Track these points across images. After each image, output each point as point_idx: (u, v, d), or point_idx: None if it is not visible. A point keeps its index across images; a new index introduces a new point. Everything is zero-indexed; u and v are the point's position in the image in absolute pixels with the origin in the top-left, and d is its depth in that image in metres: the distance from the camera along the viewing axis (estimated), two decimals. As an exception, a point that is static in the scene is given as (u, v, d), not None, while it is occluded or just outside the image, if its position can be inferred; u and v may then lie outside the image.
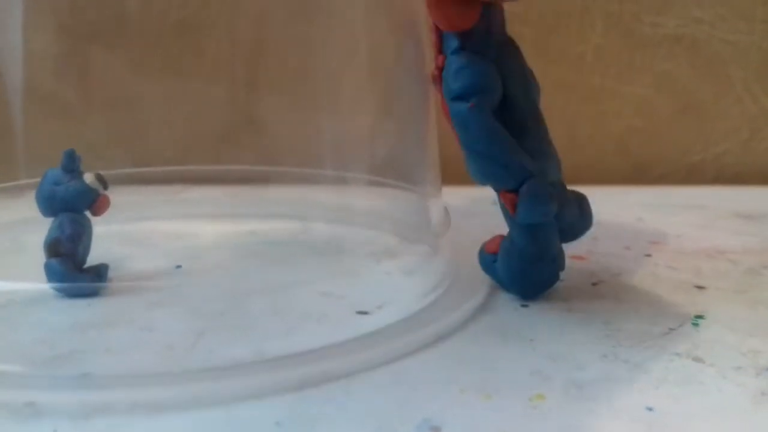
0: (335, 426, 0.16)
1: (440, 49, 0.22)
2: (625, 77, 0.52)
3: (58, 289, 0.23)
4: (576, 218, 0.24)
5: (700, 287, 0.26)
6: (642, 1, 0.51)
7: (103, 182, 0.25)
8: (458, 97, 0.21)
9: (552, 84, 0.51)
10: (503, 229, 0.24)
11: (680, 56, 0.52)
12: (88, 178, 0.25)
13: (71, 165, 0.25)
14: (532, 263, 0.23)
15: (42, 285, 0.23)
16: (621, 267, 0.28)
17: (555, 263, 0.24)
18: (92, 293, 0.24)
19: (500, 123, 0.22)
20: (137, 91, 0.34)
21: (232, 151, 0.36)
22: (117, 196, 0.25)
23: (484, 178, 0.22)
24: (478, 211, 0.35)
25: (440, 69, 0.22)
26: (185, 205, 0.34)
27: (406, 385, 0.18)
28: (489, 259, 0.25)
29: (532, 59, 0.23)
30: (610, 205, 0.41)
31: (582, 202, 0.24)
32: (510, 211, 0.22)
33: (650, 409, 0.17)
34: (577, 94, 0.51)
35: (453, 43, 0.22)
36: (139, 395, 0.17)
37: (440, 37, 0.22)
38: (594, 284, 0.26)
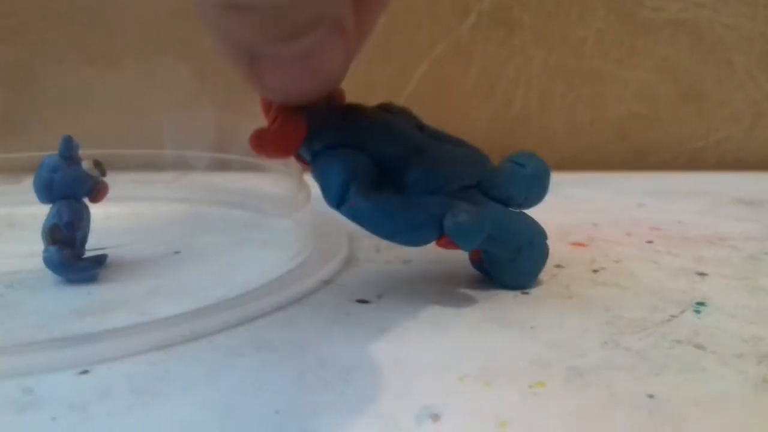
0: (334, 414, 0.16)
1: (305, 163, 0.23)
2: (626, 62, 0.52)
3: (56, 275, 0.23)
4: (522, 192, 0.23)
5: (701, 274, 0.26)
6: (644, -15, 0.50)
7: (102, 169, 0.25)
8: (339, 205, 0.21)
9: (553, 69, 0.51)
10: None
11: (682, 41, 0.52)
12: (87, 164, 0.24)
13: (68, 151, 0.24)
14: (518, 255, 0.23)
15: (40, 271, 0.23)
16: (622, 253, 0.28)
17: (541, 238, 0.24)
18: (90, 280, 0.24)
19: (397, 176, 0.21)
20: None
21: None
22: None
23: (415, 243, 0.21)
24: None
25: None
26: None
27: (405, 372, 0.18)
28: (479, 265, 0.24)
29: (532, 45, 0.23)
30: (611, 191, 0.41)
31: (518, 166, 0.23)
32: (455, 249, 0.22)
33: (651, 397, 0.17)
34: (577, 79, 0.51)
35: (305, 155, 0.22)
36: (137, 382, 0.17)
37: (297, 156, 0.22)
38: (594, 271, 0.26)
